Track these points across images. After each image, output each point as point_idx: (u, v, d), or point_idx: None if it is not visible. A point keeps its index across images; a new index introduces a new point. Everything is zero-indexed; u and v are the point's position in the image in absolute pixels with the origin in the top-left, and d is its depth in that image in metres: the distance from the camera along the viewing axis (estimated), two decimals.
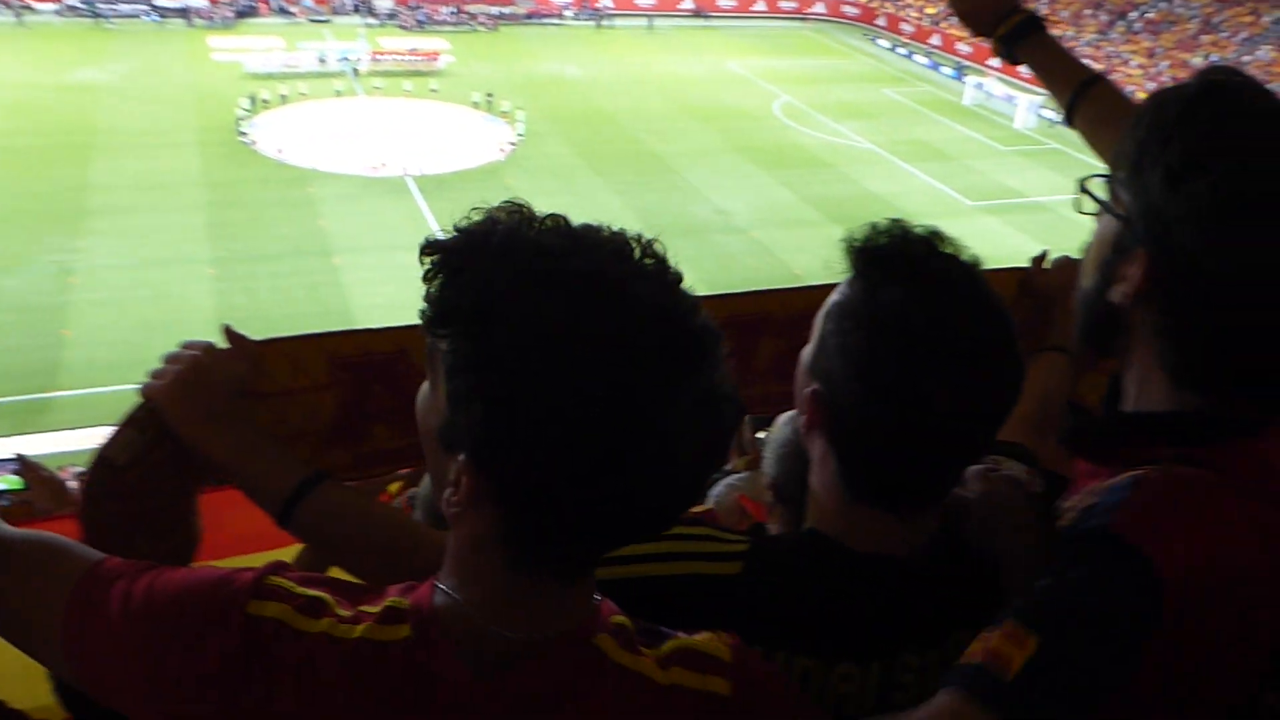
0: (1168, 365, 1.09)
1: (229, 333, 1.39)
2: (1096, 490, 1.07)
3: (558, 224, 0.86)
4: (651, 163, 28.46)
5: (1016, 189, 26.65)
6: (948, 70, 42.77)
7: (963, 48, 44.75)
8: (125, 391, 1.44)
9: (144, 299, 18.51)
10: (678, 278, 0.87)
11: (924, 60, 44.73)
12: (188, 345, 1.34)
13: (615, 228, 0.89)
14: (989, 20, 1.79)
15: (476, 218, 0.86)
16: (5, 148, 25.20)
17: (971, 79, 39.65)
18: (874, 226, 1.11)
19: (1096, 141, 1.66)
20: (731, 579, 1.13)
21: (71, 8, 39.81)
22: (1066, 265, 1.66)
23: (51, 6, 39.80)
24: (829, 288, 1.46)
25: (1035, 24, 1.77)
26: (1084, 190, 1.15)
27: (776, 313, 1.67)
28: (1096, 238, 1.15)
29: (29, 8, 39.44)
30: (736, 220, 24.73)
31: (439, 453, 0.89)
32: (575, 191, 25.59)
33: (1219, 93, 1.06)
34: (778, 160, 29.06)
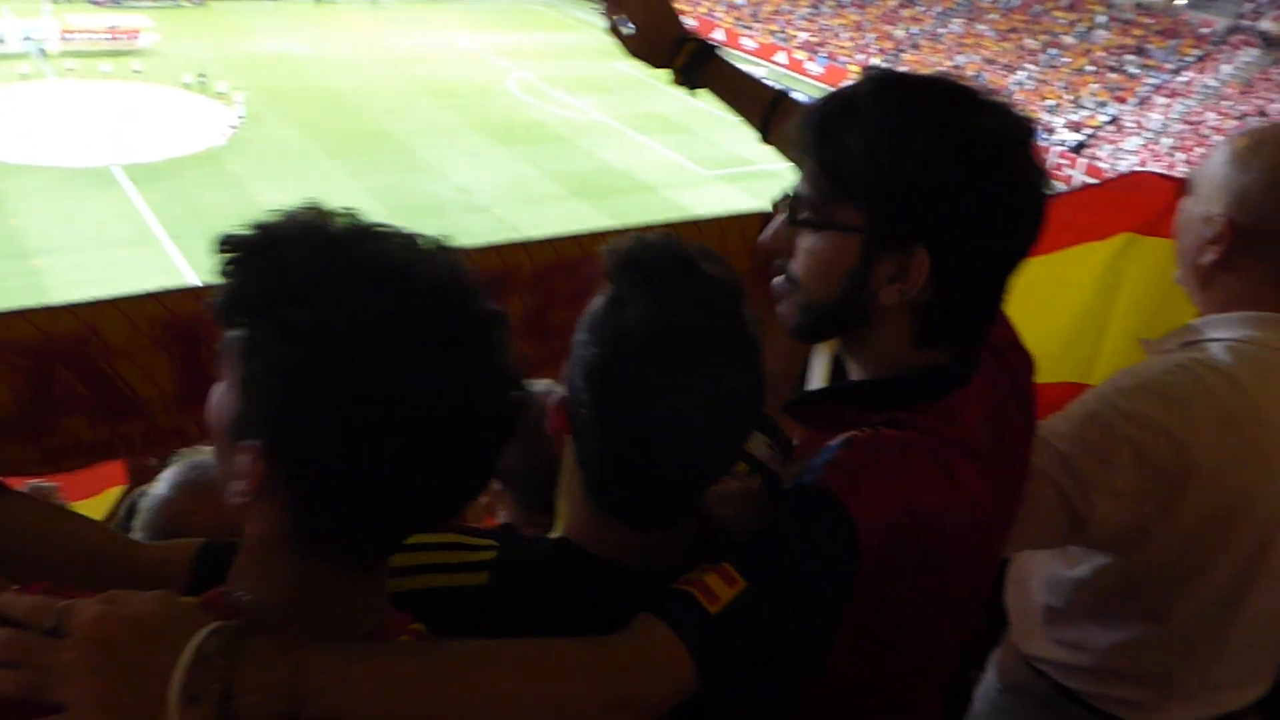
0: (915, 336, 1.16)
1: None
2: (815, 451, 1.15)
3: (351, 217, 0.88)
4: (386, 142, 27.53)
5: (748, 157, 27.74)
6: None
7: (688, 21, 45.96)
8: None
9: None
10: (463, 263, 0.90)
11: None
12: None
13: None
14: (664, 54, 1.78)
15: (272, 218, 0.87)
16: None
17: None
18: (639, 238, 1.07)
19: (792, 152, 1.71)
20: (480, 590, 1.11)
21: None
22: None
23: None
24: (578, 239, 1.39)
25: (710, 52, 1.77)
26: (793, 218, 1.17)
27: (524, 267, 1.59)
28: (821, 257, 1.16)
29: None
30: (478, 198, 24.38)
31: (230, 448, 0.87)
32: (307, 175, 24.31)
33: (907, 81, 1.13)
34: (515, 136, 28.87)
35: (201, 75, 30.07)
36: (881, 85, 1.13)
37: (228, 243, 0.85)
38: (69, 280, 17.80)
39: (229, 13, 40.68)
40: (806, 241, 1.17)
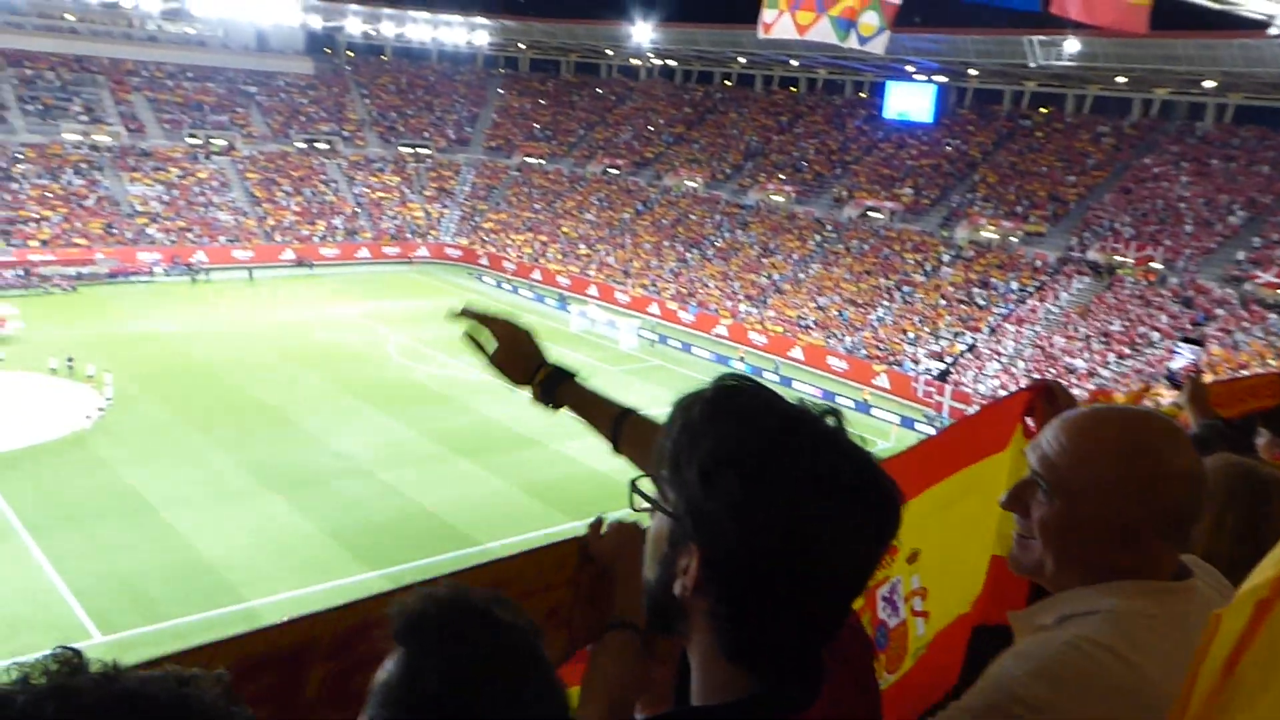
0: (725, 650, 1.16)
1: None
2: None
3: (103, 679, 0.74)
4: (261, 414, 27.16)
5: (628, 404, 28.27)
6: (552, 301, 45.66)
7: (563, 280, 48.14)
8: None
9: None
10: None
11: (529, 293, 47.51)
12: None
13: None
14: (523, 373, 2.03)
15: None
16: None
17: (575, 308, 42.49)
18: (428, 594, 1.07)
19: (642, 462, 1.76)
20: None
21: None
22: (622, 528, 1.74)
23: None
24: (375, 600, 1.47)
25: (566, 374, 2.01)
26: (635, 490, 1.23)
27: (322, 637, 1.55)
28: (653, 532, 1.21)
29: None
30: (359, 463, 23.99)
31: None
32: (176, 452, 23.62)
33: (735, 395, 1.16)
34: (395, 399, 28.88)
35: (69, 359, 29.51)
36: (725, 389, 1.17)
37: None
38: None
39: (99, 296, 40.59)
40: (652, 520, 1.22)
